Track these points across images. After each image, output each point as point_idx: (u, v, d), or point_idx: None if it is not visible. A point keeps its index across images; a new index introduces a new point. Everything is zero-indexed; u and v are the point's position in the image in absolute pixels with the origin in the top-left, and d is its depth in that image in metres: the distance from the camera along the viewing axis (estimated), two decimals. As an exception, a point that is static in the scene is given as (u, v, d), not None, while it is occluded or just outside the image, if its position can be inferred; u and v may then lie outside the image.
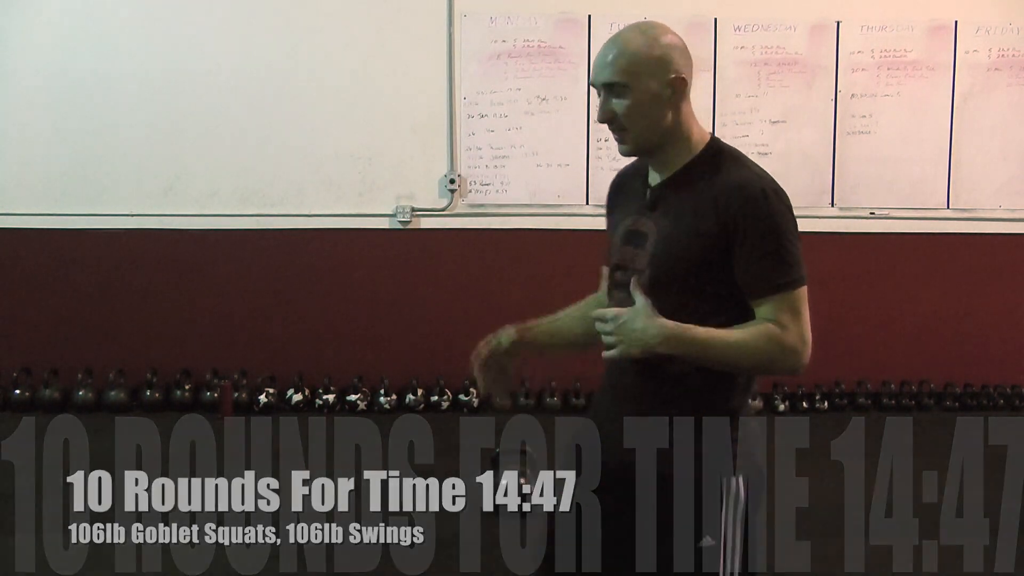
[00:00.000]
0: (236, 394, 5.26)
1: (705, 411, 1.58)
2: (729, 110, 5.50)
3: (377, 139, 5.44)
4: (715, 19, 5.47)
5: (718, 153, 1.62)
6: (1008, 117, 5.61)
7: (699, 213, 1.54)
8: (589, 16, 5.44)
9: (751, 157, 1.67)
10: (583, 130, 5.46)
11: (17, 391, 5.27)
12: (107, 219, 5.41)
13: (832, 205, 5.56)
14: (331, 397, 5.29)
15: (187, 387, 5.35)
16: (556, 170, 5.45)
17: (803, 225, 1.65)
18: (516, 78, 5.41)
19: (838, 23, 5.52)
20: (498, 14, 5.42)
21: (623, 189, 1.75)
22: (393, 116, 5.43)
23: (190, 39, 5.40)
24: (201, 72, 5.41)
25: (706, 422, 1.57)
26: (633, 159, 1.72)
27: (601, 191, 6.09)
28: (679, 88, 1.57)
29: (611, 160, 5.45)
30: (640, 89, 1.55)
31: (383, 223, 5.46)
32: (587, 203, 5.43)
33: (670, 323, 1.48)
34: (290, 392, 5.32)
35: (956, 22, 5.54)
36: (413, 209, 5.43)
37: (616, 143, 1.61)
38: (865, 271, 5.61)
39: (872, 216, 5.59)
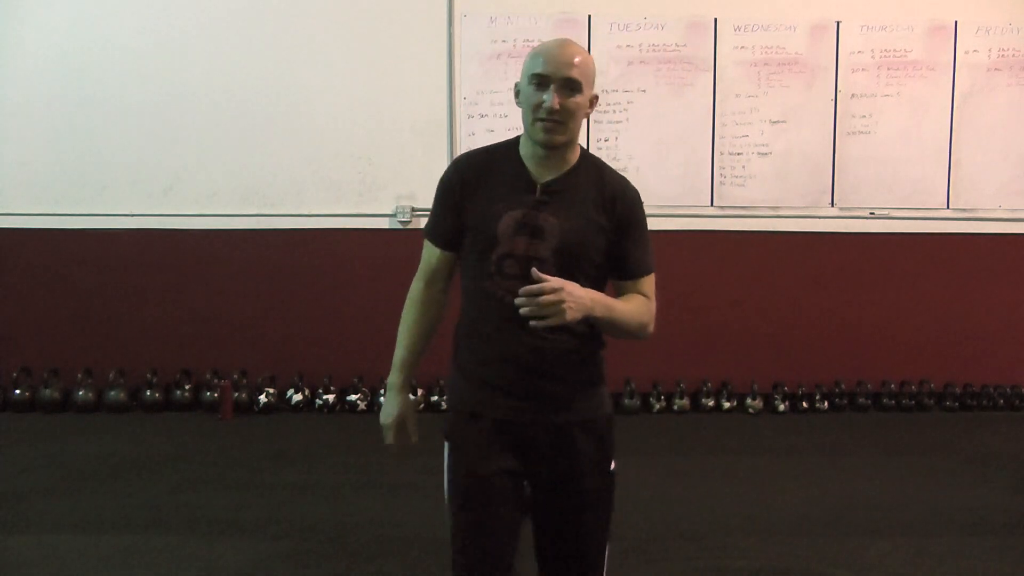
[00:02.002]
0: (236, 394, 5.26)
1: (599, 367, 1.92)
2: (729, 110, 5.50)
3: (377, 139, 5.44)
4: (715, 19, 5.47)
5: (594, 159, 1.89)
6: (1008, 117, 5.61)
7: (595, 209, 1.81)
8: (589, 16, 5.44)
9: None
10: (583, 130, 5.45)
11: (17, 391, 5.28)
12: (107, 219, 5.41)
13: (832, 205, 5.57)
14: (331, 397, 5.30)
15: (187, 387, 5.36)
16: (556, 170, 5.44)
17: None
18: (516, 78, 5.38)
19: (838, 23, 5.52)
20: (498, 14, 5.42)
21: (484, 179, 1.83)
22: (393, 116, 5.44)
23: (190, 40, 5.40)
24: (201, 73, 5.41)
25: (603, 376, 1.93)
26: (463, 152, 1.92)
27: (601, 191, 6.03)
28: (594, 103, 1.86)
29: (611, 160, 5.45)
30: (585, 93, 1.79)
31: (383, 223, 5.46)
32: (587, 203, 5.42)
33: (593, 291, 1.74)
34: (290, 392, 5.33)
35: (956, 22, 5.55)
36: (413, 209, 5.43)
37: (547, 132, 1.75)
38: (865, 271, 5.61)
39: (872, 216, 5.59)
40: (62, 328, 5.46)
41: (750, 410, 5.46)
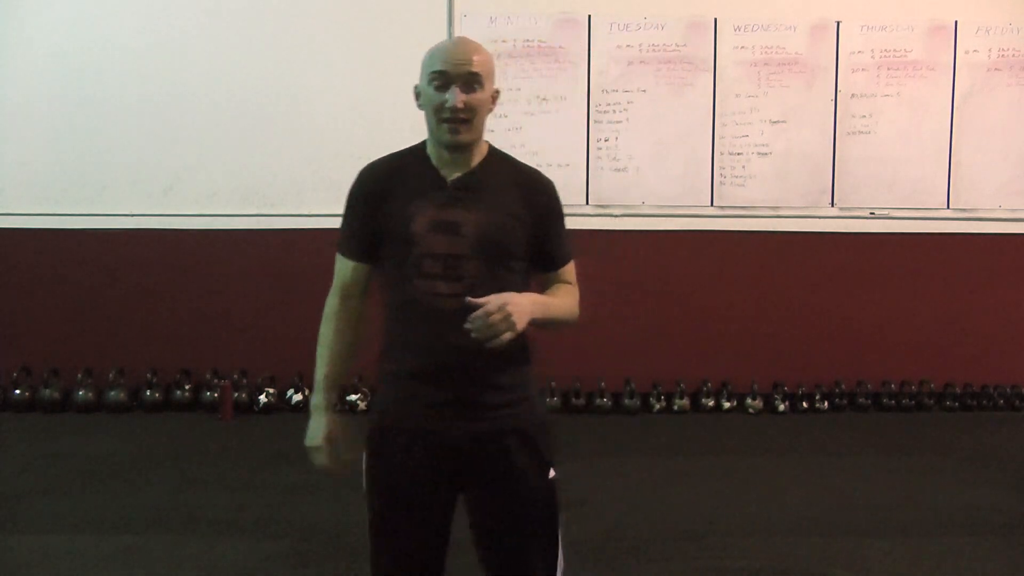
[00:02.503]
0: (236, 394, 5.26)
1: (528, 368, 1.83)
2: (729, 110, 5.50)
3: (377, 139, 5.40)
4: (715, 19, 5.47)
5: (502, 154, 1.87)
6: (1008, 117, 5.61)
7: (509, 201, 1.77)
8: (589, 16, 5.44)
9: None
10: (583, 130, 5.46)
11: (17, 391, 5.28)
12: (107, 219, 5.41)
13: (832, 205, 5.56)
14: (331, 397, 5.29)
15: (187, 387, 5.36)
16: (556, 170, 5.44)
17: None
18: (516, 78, 5.41)
19: (838, 23, 5.52)
20: (498, 14, 5.42)
21: (393, 184, 1.80)
22: (393, 116, 5.40)
23: (190, 40, 5.40)
24: (201, 73, 5.41)
25: (535, 379, 1.85)
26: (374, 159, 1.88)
27: (601, 191, 6.10)
28: (496, 99, 1.81)
29: (611, 160, 5.45)
30: (487, 88, 1.76)
31: (383, 223, 5.46)
32: (587, 203, 5.42)
33: (529, 294, 1.73)
34: (290, 392, 5.32)
35: (956, 22, 5.55)
36: (413, 209, 5.43)
37: (453, 132, 1.72)
38: (865, 271, 5.61)
39: (872, 216, 5.59)
40: (62, 328, 5.46)
41: (750, 410, 5.46)
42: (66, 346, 5.43)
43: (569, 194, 5.46)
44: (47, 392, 5.24)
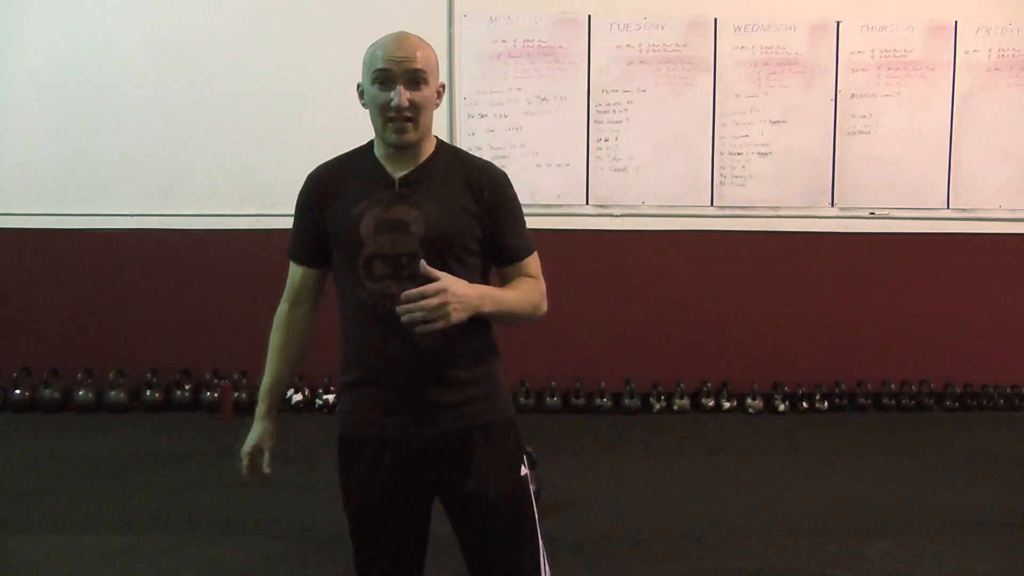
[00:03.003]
0: (236, 394, 5.26)
1: (490, 363, 1.78)
2: (729, 110, 5.50)
3: (377, 139, 5.44)
4: (715, 19, 5.47)
5: (451, 147, 1.83)
6: (1008, 117, 5.61)
7: (459, 195, 1.71)
8: (589, 16, 5.44)
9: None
10: (583, 130, 5.46)
11: (17, 391, 5.28)
12: (107, 219, 5.41)
13: (832, 205, 5.56)
14: (331, 397, 5.30)
15: (187, 387, 5.36)
16: (556, 170, 5.45)
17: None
18: (516, 78, 5.41)
19: (838, 23, 5.52)
20: (498, 14, 5.42)
21: (340, 185, 1.76)
22: (393, 116, 5.43)
23: (190, 40, 5.41)
24: (201, 73, 5.41)
25: (501, 375, 1.80)
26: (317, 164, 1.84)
27: (601, 191, 6.10)
28: (441, 94, 1.78)
29: (611, 160, 5.45)
30: (431, 84, 1.72)
31: (383, 223, 5.46)
32: (587, 203, 5.42)
33: (479, 286, 1.66)
34: (290, 392, 5.33)
35: (956, 22, 5.55)
36: (413, 209, 5.43)
37: (400, 132, 1.69)
38: (865, 271, 5.61)
39: (872, 216, 5.59)
40: (62, 328, 5.46)
41: (750, 410, 5.46)
42: (66, 346, 5.43)
43: (569, 194, 5.50)
44: (47, 392, 5.24)
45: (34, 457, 4.37)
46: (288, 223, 1.93)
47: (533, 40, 5.43)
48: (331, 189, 1.77)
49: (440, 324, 1.55)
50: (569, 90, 5.45)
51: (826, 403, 5.51)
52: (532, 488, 1.80)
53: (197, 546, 3.24)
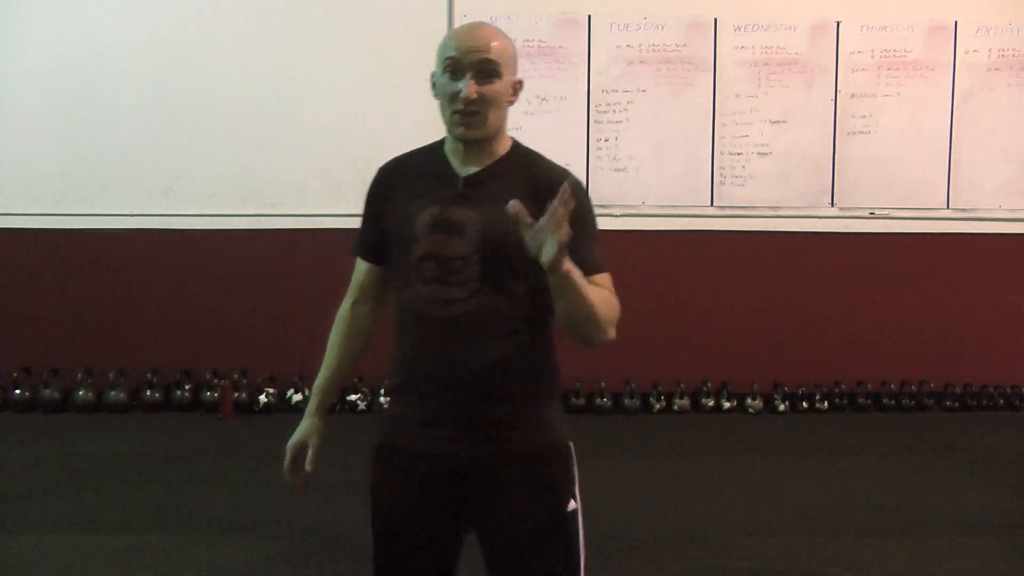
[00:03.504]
0: (236, 394, 5.26)
1: (547, 381, 1.65)
2: (729, 110, 5.50)
3: (377, 139, 5.43)
4: (715, 19, 5.47)
5: (526, 150, 1.70)
6: (1008, 117, 5.61)
7: (525, 201, 1.51)
8: (589, 16, 5.44)
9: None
10: (583, 130, 5.46)
11: (17, 391, 5.28)
12: (107, 219, 5.41)
13: (832, 205, 5.56)
14: (331, 397, 5.29)
15: (187, 387, 5.36)
16: (556, 170, 5.44)
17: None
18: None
19: (838, 23, 5.52)
20: (498, 14, 5.41)
21: (405, 180, 1.67)
22: (393, 116, 5.43)
23: (190, 40, 5.40)
24: (201, 73, 5.41)
25: (557, 399, 1.67)
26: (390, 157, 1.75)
27: (601, 191, 6.10)
28: (518, 90, 1.67)
29: (611, 160, 5.45)
30: (504, 78, 1.61)
31: (383, 223, 5.45)
32: (587, 203, 5.42)
33: None
34: (290, 392, 5.32)
35: (956, 22, 5.55)
36: (413, 209, 5.42)
37: (465, 126, 1.59)
38: (865, 271, 5.61)
39: (872, 216, 5.59)
40: (62, 328, 5.46)
41: (750, 410, 5.46)
42: (66, 346, 5.43)
43: (569, 194, 5.49)
44: (47, 392, 5.24)
45: (34, 457, 4.37)
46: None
47: (533, 40, 5.42)
48: (395, 183, 1.69)
49: (549, 250, 1.39)
50: (569, 90, 5.45)
51: (826, 403, 5.51)
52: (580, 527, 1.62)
53: (197, 546, 3.24)
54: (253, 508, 3.65)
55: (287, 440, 1.85)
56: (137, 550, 3.19)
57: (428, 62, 1.68)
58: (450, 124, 1.62)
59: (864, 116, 5.55)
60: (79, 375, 5.30)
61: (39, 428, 4.96)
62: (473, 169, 1.63)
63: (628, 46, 5.46)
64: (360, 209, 1.74)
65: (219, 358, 5.44)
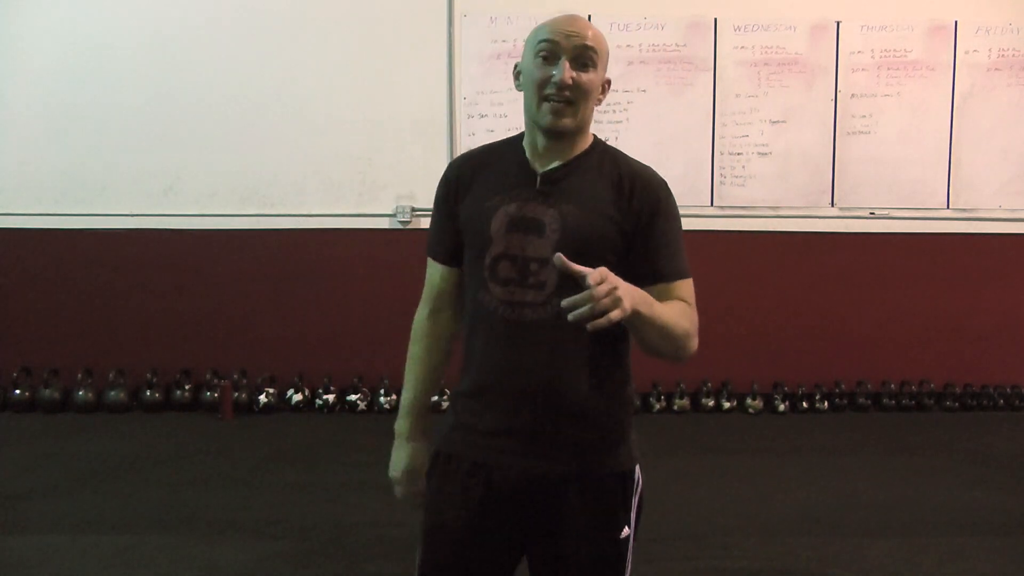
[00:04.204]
0: (236, 394, 5.26)
1: (620, 402, 1.57)
2: (729, 110, 5.50)
3: (377, 139, 5.44)
4: (715, 19, 5.47)
5: (607, 147, 1.61)
6: (1008, 117, 5.61)
7: (605, 198, 1.50)
8: (589, 16, 5.43)
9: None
10: (583, 130, 5.45)
11: (17, 391, 5.28)
12: (107, 219, 5.41)
13: (832, 205, 5.56)
14: (331, 397, 5.30)
15: (187, 387, 5.36)
16: (556, 170, 5.44)
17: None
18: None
19: (838, 23, 5.52)
20: (498, 14, 5.42)
21: (480, 176, 1.57)
22: (393, 116, 5.44)
23: (190, 40, 5.40)
24: (201, 73, 5.41)
25: (629, 421, 1.58)
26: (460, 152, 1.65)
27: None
28: (606, 90, 1.59)
29: (611, 160, 5.45)
30: (599, 71, 1.53)
31: (383, 223, 5.46)
32: (587, 203, 5.42)
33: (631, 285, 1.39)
34: (290, 392, 5.32)
35: (956, 22, 5.55)
36: (413, 209, 5.43)
37: (556, 113, 1.48)
38: (865, 271, 5.61)
39: (872, 216, 5.59)
40: (62, 328, 5.46)
41: (750, 410, 5.46)
42: (66, 346, 5.43)
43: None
44: (47, 392, 5.24)
45: (34, 457, 4.37)
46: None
47: (533, 40, 5.42)
48: (468, 180, 1.58)
49: (616, 315, 1.26)
50: (569, 90, 5.44)
51: (826, 403, 5.51)
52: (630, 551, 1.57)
53: (197, 546, 3.24)
54: (253, 508, 3.65)
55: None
56: (137, 550, 3.19)
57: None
58: (537, 113, 1.50)
59: (864, 116, 5.56)
60: (79, 375, 5.30)
61: (39, 428, 4.96)
62: (552, 165, 1.53)
63: (628, 46, 5.46)
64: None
65: (219, 358, 5.45)
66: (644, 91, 5.48)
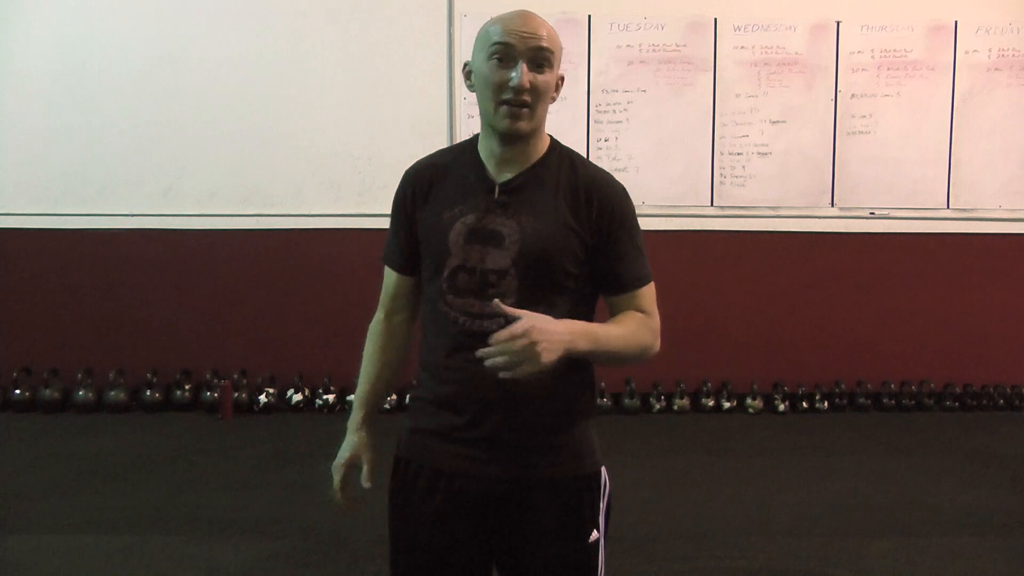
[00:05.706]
0: (236, 394, 5.26)
1: (580, 408, 1.58)
2: (729, 110, 5.50)
3: (377, 139, 5.44)
4: (715, 19, 5.47)
5: (566, 150, 1.59)
6: (1008, 117, 5.61)
7: (564, 208, 1.49)
8: (589, 16, 5.44)
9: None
10: (583, 130, 5.46)
11: (17, 391, 5.28)
12: (107, 219, 5.41)
13: (832, 205, 5.56)
14: (331, 397, 5.30)
15: (187, 387, 5.36)
16: (556, 170, 5.44)
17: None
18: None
19: (838, 23, 5.52)
20: (498, 14, 5.42)
21: (437, 185, 1.56)
22: (393, 116, 5.44)
23: (190, 40, 5.40)
24: (201, 73, 5.41)
25: (590, 425, 1.60)
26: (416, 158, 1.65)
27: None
28: (559, 86, 1.54)
29: (611, 160, 5.45)
30: (554, 70, 1.50)
31: (383, 223, 5.42)
32: (587, 203, 5.42)
33: (570, 321, 1.43)
34: (290, 392, 5.32)
35: (956, 22, 5.55)
36: (413, 209, 5.42)
37: (514, 117, 1.46)
38: (865, 271, 5.61)
39: (872, 216, 5.59)
40: (62, 328, 5.46)
41: (750, 410, 5.46)
42: (66, 346, 5.43)
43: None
44: (47, 392, 5.24)
45: (34, 457, 4.37)
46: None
47: (533, 40, 5.42)
48: (426, 190, 1.57)
49: (528, 369, 1.32)
50: (569, 90, 5.44)
51: (826, 403, 5.51)
52: (602, 558, 1.59)
53: (197, 546, 3.24)
54: (253, 508, 3.65)
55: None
56: (137, 550, 3.19)
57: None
58: (494, 117, 1.48)
59: (864, 116, 5.56)
60: (79, 375, 5.30)
61: (39, 428, 4.96)
62: (510, 174, 1.52)
63: (628, 46, 5.46)
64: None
65: (219, 358, 5.45)
66: (644, 91, 5.48)
